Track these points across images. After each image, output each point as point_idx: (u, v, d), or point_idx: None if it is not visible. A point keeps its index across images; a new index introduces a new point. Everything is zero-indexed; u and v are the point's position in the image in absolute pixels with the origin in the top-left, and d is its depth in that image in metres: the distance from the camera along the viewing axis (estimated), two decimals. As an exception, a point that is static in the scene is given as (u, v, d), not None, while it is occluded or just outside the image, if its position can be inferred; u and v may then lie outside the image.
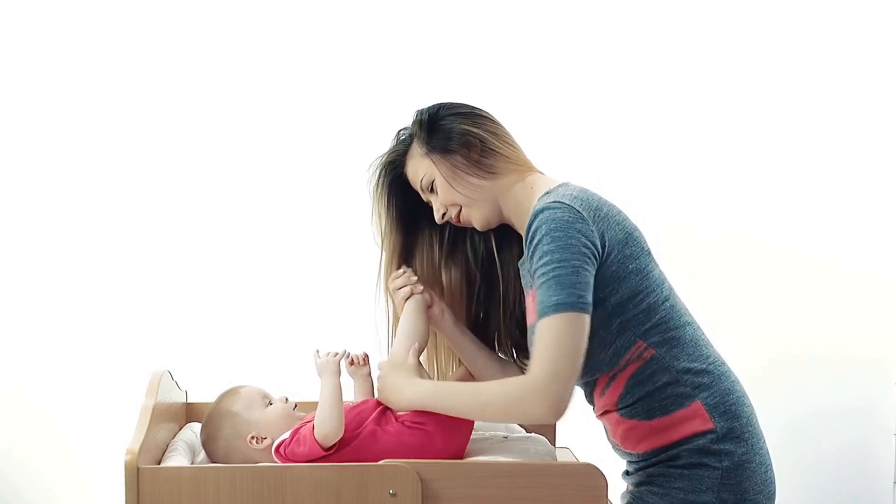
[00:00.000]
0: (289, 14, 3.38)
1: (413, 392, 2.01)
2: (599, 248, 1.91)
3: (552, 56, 3.38)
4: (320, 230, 3.38)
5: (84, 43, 3.36)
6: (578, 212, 1.90)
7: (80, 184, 3.38)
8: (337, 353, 2.05)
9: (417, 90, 3.23)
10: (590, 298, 1.87)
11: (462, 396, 1.96)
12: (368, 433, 1.99)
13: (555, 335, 1.84)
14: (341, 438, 1.97)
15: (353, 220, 3.33)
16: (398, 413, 2.03)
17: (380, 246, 2.17)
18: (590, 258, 1.89)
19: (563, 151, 3.19)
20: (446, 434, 2.01)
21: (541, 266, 1.88)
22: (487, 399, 1.92)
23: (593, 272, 1.89)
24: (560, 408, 1.85)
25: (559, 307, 1.85)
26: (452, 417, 2.01)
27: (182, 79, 3.38)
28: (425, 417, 2.00)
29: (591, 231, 1.90)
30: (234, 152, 3.39)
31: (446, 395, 1.99)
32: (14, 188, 3.38)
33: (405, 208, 2.16)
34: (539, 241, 1.89)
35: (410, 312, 2.14)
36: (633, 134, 3.39)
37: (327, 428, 1.93)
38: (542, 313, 1.86)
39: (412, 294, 2.15)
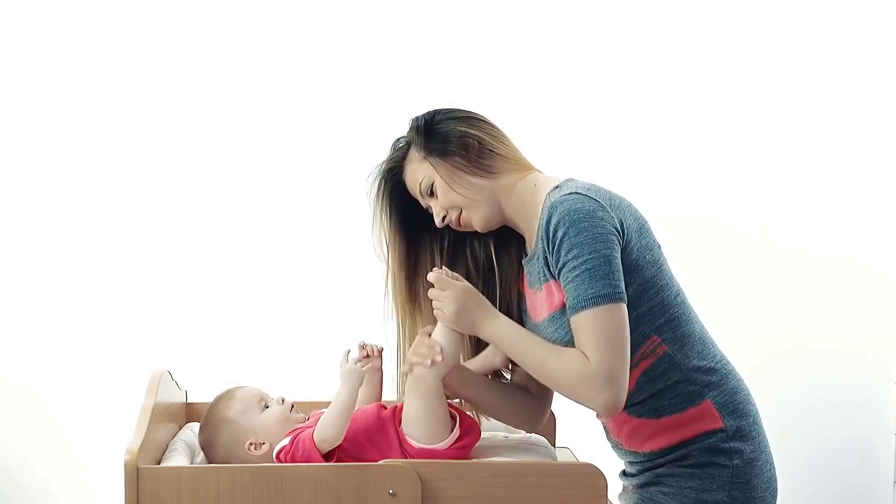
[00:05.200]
0: (288, 19, 3.39)
1: (492, 327, 1.97)
2: (621, 235, 1.91)
3: (553, 54, 3.39)
4: (319, 231, 3.38)
5: (84, 43, 3.36)
6: (597, 200, 1.91)
7: (81, 184, 3.38)
8: (365, 365, 2.03)
9: (416, 92, 3.24)
10: (623, 287, 1.88)
11: (532, 359, 1.94)
12: (368, 457, 1.96)
13: (598, 329, 1.85)
14: (341, 451, 1.96)
15: (352, 220, 3.34)
16: (408, 443, 1.98)
17: (385, 256, 2.12)
18: (616, 244, 1.89)
19: (563, 151, 3.19)
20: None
21: (571, 259, 1.88)
22: (553, 371, 1.91)
23: (620, 258, 1.90)
24: (618, 403, 1.86)
25: (597, 300, 1.85)
26: (462, 451, 2.01)
27: (182, 80, 3.38)
28: (436, 456, 1.97)
29: (613, 218, 1.90)
30: (234, 153, 3.40)
31: (519, 348, 1.96)
32: (15, 188, 3.38)
33: (405, 217, 2.12)
34: (565, 233, 1.88)
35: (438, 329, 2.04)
36: (631, 127, 3.39)
37: (327, 434, 1.93)
38: (581, 306, 1.86)
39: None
